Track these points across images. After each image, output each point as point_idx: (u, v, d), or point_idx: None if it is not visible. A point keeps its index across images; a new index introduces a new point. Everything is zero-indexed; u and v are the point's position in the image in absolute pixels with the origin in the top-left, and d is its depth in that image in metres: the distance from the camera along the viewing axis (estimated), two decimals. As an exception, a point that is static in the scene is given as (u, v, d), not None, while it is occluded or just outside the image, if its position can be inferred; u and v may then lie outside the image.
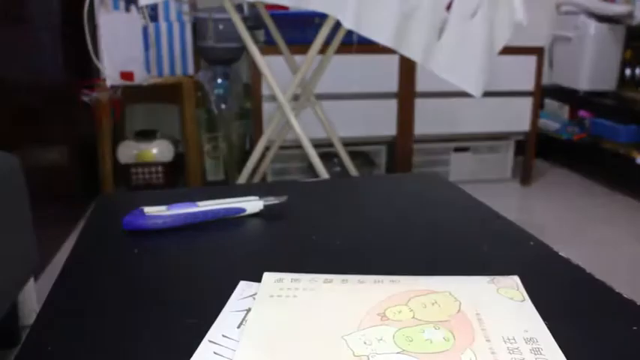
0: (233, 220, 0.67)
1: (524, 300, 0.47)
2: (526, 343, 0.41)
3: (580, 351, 0.41)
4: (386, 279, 0.51)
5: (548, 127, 3.05)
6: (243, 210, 0.67)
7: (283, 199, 0.69)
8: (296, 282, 0.51)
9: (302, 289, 0.50)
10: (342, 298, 0.48)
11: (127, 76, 2.17)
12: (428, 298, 0.47)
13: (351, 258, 0.58)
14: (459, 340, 0.41)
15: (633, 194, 2.64)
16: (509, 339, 0.42)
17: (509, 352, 0.40)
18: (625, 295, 0.51)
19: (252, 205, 0.68)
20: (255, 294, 0.50)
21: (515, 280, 0.50)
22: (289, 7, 1.46)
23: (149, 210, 0.64)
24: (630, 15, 2.77)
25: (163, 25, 2.36)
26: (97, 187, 2.39)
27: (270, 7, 1.88)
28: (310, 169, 2.37)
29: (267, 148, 1.91)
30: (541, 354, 0.40)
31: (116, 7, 2.21)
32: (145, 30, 2.28)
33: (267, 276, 0.52)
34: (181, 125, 2.41)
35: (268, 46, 2.13)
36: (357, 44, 2.32)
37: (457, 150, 2.85)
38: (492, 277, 0.51)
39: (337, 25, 1.55)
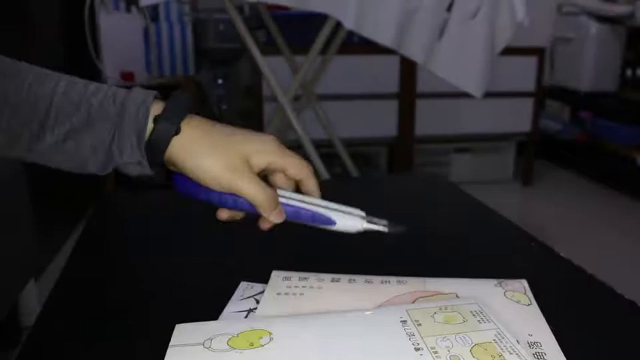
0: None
1: (530, 304, 0.47)
2: (529, 347, 0.41)
3: (582, 354, 0.41)
4: (393, 279, 0.51)
5: (549, 127, 3.05)
6: (333, 223, 0.50)
7: (402, 229, 0.52)
8: (304, 280, 0.51)
9: (309, 287, 0.50)
10: (348, 296, 0.48)
11: (127, 76, 2.17)
12: (434, 299, 0.47)
13: (352, 259, 0.58)
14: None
15: (634, 195, 2.64)
16: None
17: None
18: (626, 297, 0.51)
19: (349, 221, 0.50)
20: (256, 294, 0.50)
21: (524, 283, 0.50)
22: (290, 8, 1.45)
23: None
24: (631, 16, 2.77)
25: (164, 26, 2.36)
26: (98, 187, 2.39)
27: (270, 7, 1.88)
28: (311, 169, 2.37)
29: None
30: (544, 359, 0.40)
31: (117, 7, 2.21)
32: (146, 30, 2.28)
33: (275, 274, 0.53)
34: (182, 126, 2.41)
35: (269, 47, 2.13)
36: (357, 44, 2.32)
37: (458, 151, 2.85)
38: (500, 280, 0.50)
39: (338, 25, 1.55)
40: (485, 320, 0.43)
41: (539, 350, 0.41)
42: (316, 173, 1.84)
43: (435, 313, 0.44)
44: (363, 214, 0.51)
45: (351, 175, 1.94)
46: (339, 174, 2.38)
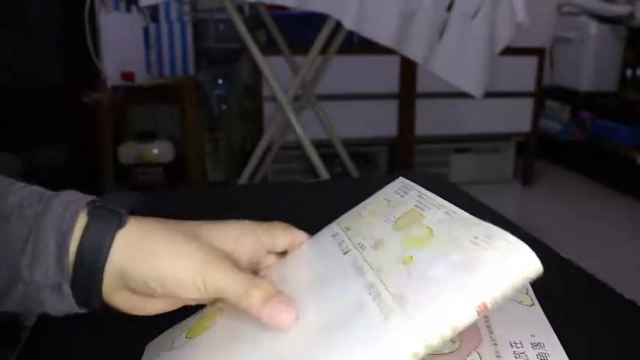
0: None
1: (533, 304, 0.47)
2: (533, 348, 0.41)
3: (582, 354, 0.41)
4: None
5: (549, 127, 3.05)
6: None
7: None
8: None
9: None
10: None
11: (127, 76, 2.17)
12: None
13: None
14: (465, 342, 0.40)
15: (634, 195, 2.64)
16: (515, 343, 0.41)
17: (516, 357, 0.40)
18: (626, 297, 0.51)
19: None
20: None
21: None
22: (290, 8, 1.45)
23: None
24: (631, 16, 2.77)
25: (164, 26, 2.36)
26: (97, 187, 2.39)
27: (270, 7, 1.88)
28: (311, 169, 2.37)
29: (267, 149, 1.91)
30: (547, 359, 0.40)
31: (117, 7, 2.21)
32: (146, 30, 2.27)
33: None
34: (182, 126, 2.41)
35: (269, 47, 2.13)
36: (357, 45, 2.32)
37: (458, 151, 2.85)
38: None
39: (338, 25, 1.55)
40: (407, 191, 0.43)
41: (543, 351, 0.41)
42: (316, 173, 1.83)
43: (364, 208, 0.45)
44: None
45: (351, 175, 1.94)
46: (339, 174, 2.38)
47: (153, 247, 0.34)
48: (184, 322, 0.43)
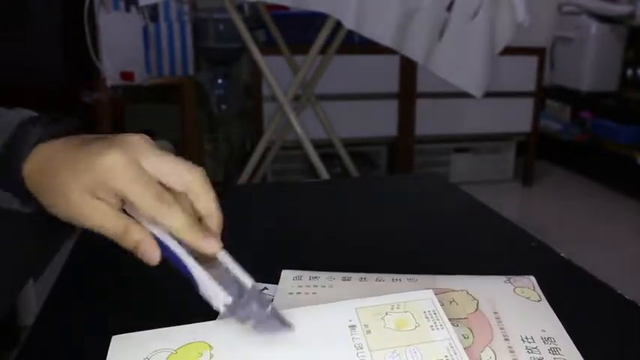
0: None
1: (540, 300, 0.47)
2: (544, 342, 0.41)
3: (582, 354, 0.41)
4: (404, 277, 0.50)
5: (550, 127, 3.05)
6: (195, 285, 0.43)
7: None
8: (315, 279, 0.50)
9: (320, 287, 0.49)
10: (361, 295, 0.48)
11: (127, 76, 2.17)
12: (446, 296, 0.46)
13: (354, 258, 0.58)
14: (477, 338, 0.40)
15: (634, 195, 2.64)
16: (527, 338, 0.41)
17: (528, 352, 0.40)
18: (626, 297, 0.51)
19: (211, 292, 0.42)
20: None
21: (532, 280, 0.50)
22: (290, 8, 1.45)
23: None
24: (632, 15, 2.77)
25: (163, 26, 2.35)
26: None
27: (270, 7, 1.88)
28: (311, 169, 2.37)
29: (267, 149, 1.91)
30: (559, 354, 0.40)
31: (116, 7, 2.21)
32: (145, 30, 2.27)
33: (285, 273, 0.52)
34: (181, 126, 2.41)
35: (269, 47, 2.13)
36: (358, 44, 2.32)
37: (458, 151, 2.85)
38: (509, 276, 0.50)
39: (338, 25, 1.55)
40: (438, 326, 0.40)
41: (554, 346, 0.41)
42: (316, 173, 1.83)
43: (387, 313, 0.41)
44: (229, 298, 0.41)
45: (351, 175, 1.94)
46: (339, 174, 2.38)
47: (53, 169, 0.39)
48: (161, 333, 0.41)
